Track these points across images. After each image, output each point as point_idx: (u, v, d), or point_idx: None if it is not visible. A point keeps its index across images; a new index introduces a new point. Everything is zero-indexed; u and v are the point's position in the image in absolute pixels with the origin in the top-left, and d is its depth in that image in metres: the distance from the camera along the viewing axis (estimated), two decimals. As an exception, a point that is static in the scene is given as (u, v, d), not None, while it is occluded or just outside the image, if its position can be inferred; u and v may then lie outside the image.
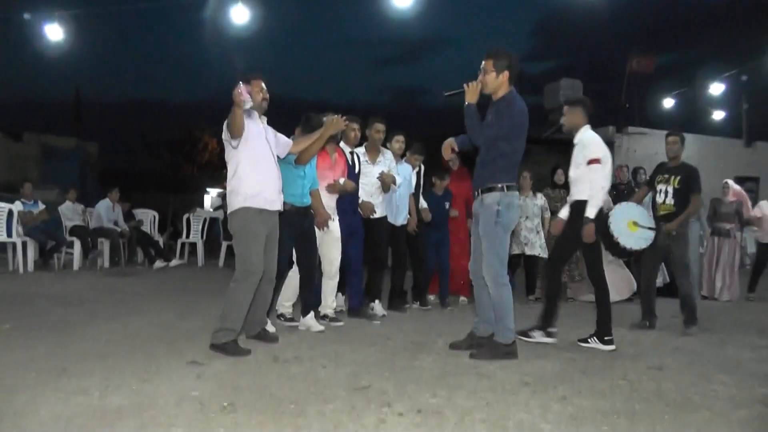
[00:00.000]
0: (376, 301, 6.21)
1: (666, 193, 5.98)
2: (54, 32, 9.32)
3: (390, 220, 6.40)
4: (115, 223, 10.46)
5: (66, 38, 9.80)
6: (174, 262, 10.71)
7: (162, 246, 11.35)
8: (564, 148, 16.93)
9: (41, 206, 9.93)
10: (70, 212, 10.28)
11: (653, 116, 17.94)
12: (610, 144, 15.03)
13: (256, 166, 4.43)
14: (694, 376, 4.06)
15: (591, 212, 4.85)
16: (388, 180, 6.08)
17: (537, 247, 7.75)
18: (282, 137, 4.80)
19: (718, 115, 17.32)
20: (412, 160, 6.83)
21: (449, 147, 4.71)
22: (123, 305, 6.34)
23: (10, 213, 8.93)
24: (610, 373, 4.08)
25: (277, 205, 4.56)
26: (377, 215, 6.14)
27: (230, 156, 4.47)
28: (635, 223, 5.80)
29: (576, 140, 5.12)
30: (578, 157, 5.05)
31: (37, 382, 3.38)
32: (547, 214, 7.89)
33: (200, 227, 11.85)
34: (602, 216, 5.89)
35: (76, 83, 41.52)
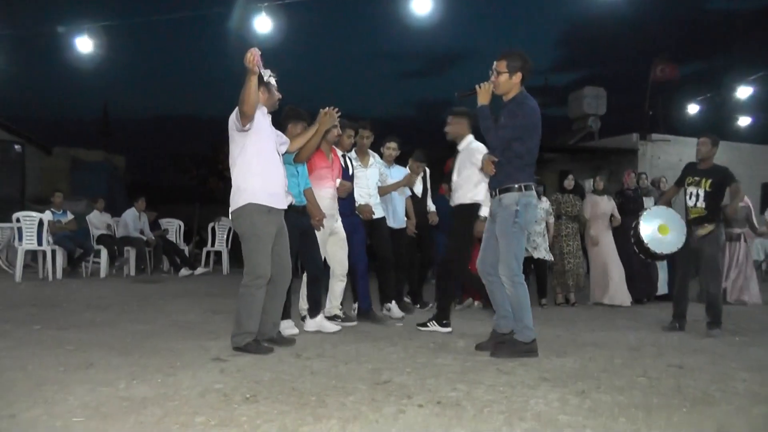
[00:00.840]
0: (393, 302, 6.27)
1: (697, 196, 5.86)
2: (84, 44, 9.53)
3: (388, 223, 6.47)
4: (141, 232, 10.65)
5: (95, 52, 9.99)
6: (199, 270, 10.86)
7: (187, 254, 11.52)
8: (589, 156, 16.77)
9: (70, 216, 10.15)
10: (97, 221, 10.49)
11: (678, 123, 17.80)
12: (633, 152, 15.14)
13: (265, 162, 4.33)
14: (715, 375, 4.04)
15: (485, 212, 5.13)
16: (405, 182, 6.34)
17: (542, 250, 7.73)
18: (282, 135, 4.74)
19: (745, 121, 17.07)
20: (414, 168, 6.94)
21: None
22: (148, 308, 6.47)
23: (41, 223, 9.13)
24: (629, 370, 4.08)
25: (283, 204, 4.49)
26: (377, 216, 6.20)
27: (237, 151, 4.33)
28: (666, 227, 5.83)
29: (460, 148, 5.41)
30: (464, 163, 5.34)
31: (66, 374, 3.49)
32: (551, 219, 7.87)
33: (225, 236, 11.99)
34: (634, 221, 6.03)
35: (104, 98, 42.33)
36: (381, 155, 6.68)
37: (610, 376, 3.87)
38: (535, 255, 7.69)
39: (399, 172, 6.76)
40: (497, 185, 4.48)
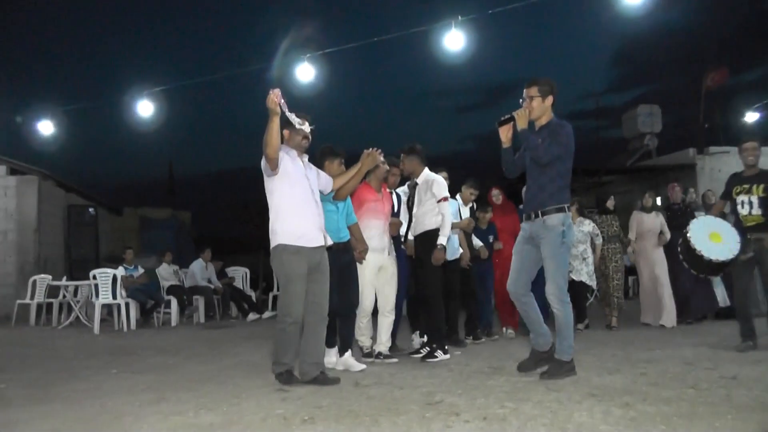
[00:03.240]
0: (416, 334, 6.38)
1: (750, 203, 5.65)
2: (145, 108, 10.24)
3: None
4: (209, 281, 11.12)
5: (157, 116, 10.63)
6: (267, 314, 11.14)
7: (255, 300, 11.91)
8: (648, 175, 16.40)
9: (141, 270, 10.73)
10: (166, 273, 11.04)
11: (739, 133, 17.38)
12: (691, 167, 14.87)
13: (295, 204, 4.44)
14: None
15: (443, 240, 5.54)
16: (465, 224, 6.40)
17: (583, 273, 7.65)
18: (324, 174, 4.86)
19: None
20: (467, 195, 7.01)
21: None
22: (217, 350, 6.79)
23: (114, 278, 9.67)
24: (680, 383, 4.10)
25: (317, 242, 4.51)
26: None
27: (269, 192, 4.49)
28: (717, 235, 5.67)
29: (419, 181, 5.82)
30: (424, 194, 5.72)
31: (140, 408, 3.79)
32: (599, 240, 7.79)
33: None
34: (682, 236, 5.91)
35: (169, 158, 44.13)
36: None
37: (659, 390, 3.91)
38: (576, 278, 7.61)
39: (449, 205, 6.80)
40: (538, 207, 4.52)
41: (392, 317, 5.72)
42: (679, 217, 8.10)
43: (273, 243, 4.45)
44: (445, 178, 6.77)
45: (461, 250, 6.74)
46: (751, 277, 5.88)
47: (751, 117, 15.67)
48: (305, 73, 9.33)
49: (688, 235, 5.79)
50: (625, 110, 20.79)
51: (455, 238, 6.75)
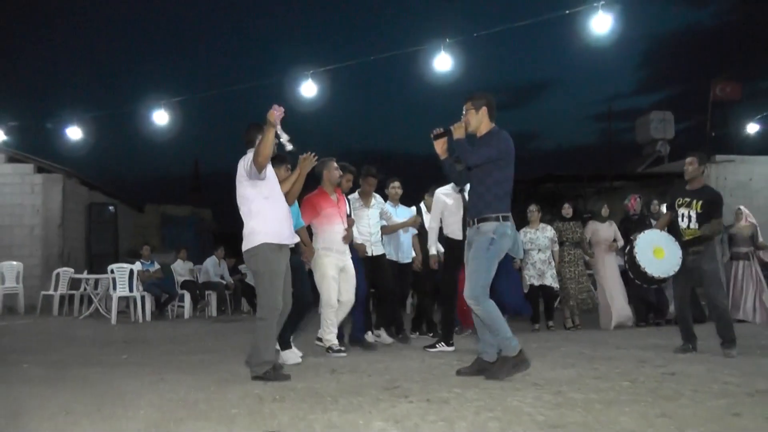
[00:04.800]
0: (382, 329, 6.73)
1: (689, 217, 5.86)
2: (161, 117, 10.97)
3: (393, 257, 7.04)
4: (222, 277, 11.77)
5: (184, 118, 11.41)
6: (276, 309, 11.73)
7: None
8: (657, 181, 16.66)
9: (156, 266, 11.44)
10: (180, 269, 11.73)
11: (749, 142, 17.49)
12: (697, 174, 15.13)
13: (274, 204, 4.70)
14: (702, 379, 4.37)
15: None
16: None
17: (548, 277, 8.05)
18: None
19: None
20: (430, 203, 7.13)
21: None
22: (223, 342, 7.40)
23: (131, 273, 10.34)
24: (621, 377, 4.47)
25: (291, 240, 4.86)
26: (376, 253, 6.66)
27: (251, 195, 4.68)
28: (661, 250, 5.90)
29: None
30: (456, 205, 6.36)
31: (141, 387, 4.38)
32: (556, 247, 8.20)
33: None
34: (628, 246, 6.29)
35: (194, 156, 45.15)
36: (386, 196, 7.27)
37: (599, 382, 4.30)
38: (538, 282, 8.06)
39: (402, 212, 7.28)
40: (476, 214, 4.66)
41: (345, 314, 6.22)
42: (632, 228, 8.38)
43: (255, 242, 4.64)
44: (398, 188, 7.32)
45: (414, 253, 7.22)
46: (689, 285, 6.13)
47: (752, 128, 15.87)
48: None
49: (634, 250, 6.02)
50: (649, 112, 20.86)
51: (408, 242, 7.26)
